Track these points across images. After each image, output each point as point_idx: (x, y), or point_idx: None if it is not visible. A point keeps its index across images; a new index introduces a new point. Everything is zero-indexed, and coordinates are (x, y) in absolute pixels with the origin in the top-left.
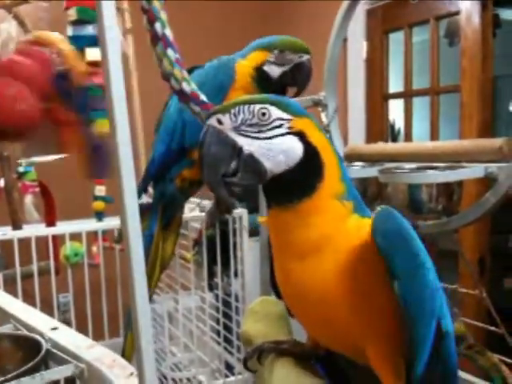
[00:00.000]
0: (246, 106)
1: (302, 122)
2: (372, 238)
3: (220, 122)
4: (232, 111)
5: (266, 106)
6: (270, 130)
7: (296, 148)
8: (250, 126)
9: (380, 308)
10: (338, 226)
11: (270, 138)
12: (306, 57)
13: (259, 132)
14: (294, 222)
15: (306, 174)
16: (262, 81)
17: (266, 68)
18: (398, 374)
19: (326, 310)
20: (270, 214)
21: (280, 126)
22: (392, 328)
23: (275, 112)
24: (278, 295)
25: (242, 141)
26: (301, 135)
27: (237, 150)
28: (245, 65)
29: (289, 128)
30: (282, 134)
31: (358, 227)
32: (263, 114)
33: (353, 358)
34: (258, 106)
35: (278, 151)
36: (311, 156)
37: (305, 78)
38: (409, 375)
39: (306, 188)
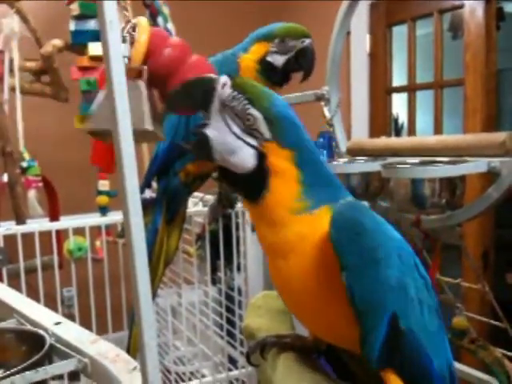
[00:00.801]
0: (246, 101)
1: (278, 151)
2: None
3: (224, 86)
4: (235, 92)
5: (258, 116)
6: (245, 133)
7: (249, 162)
8: (235, 115)
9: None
10: (293, 229)
11: (238, 137)
12: (307, 41)
13: (235, 124)
14: (258, 219)
15: (250, 185)
16: (266, 72)
17: (269, 58)
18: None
19: (311, 305)
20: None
21: (255, 138)
22: None
23: (261, 127)
24: None
25: (214, 120)
26: (263, 157)
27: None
28: (248, 58)
29: (260, 145)
30: (249, 145)
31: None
32: (248, 120)
33: (349, 349)
34: (251, 111)
35: (231, 151)
36: (259, 176)
37: (310, 62)
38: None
39: (253, 195)
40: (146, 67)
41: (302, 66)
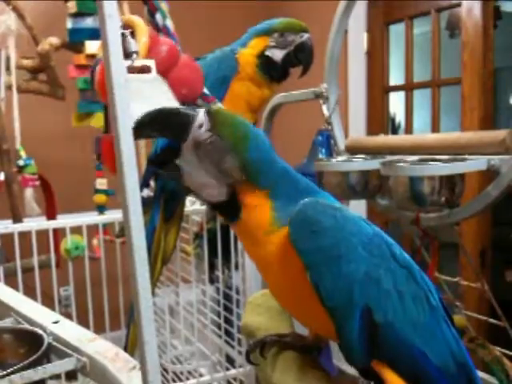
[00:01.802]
0: (222, 148)
1: (252, 191)
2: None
3: (200, 127)
4: (213, 137)
5: (234, 164)
6: (219, 173)
7: (220, 197)
8: (210, 156)
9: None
10: (267, 249)
11: (210, 175)
12: (306, 35)
13: (208, 163)
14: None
15: (223, 210)
16: (265, 66)
17: (268, 53)
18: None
19: (297, 305)
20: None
21: (228, 178)
22: None
23: (235, 172)
24: None
25: (187, 154)
26: (235, 193)
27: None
28: (247, 53)
29: (233, 183)
30: (222, 183)
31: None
32: (223, 163)
33: None
34: (228, 158)
35: (202, 185)
36: (232, 205)
37: (309, 56)
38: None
39: (228, 218)
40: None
41: (301, 61)
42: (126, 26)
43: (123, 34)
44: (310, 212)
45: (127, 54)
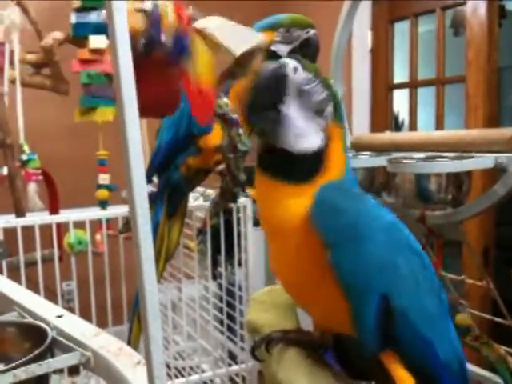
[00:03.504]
0: (320, 84)
1: (337, 131)
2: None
3: (295, 71)
4: (310, 75)
5: (330, 100)
6: (315, 115)
7: (316, 144)
8: (308, 97)
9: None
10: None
11: (309, 120)
12: (312, 31)
13: (307, 107)
14: (284, 197)
15: (306, 166)
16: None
17: (273, 48)
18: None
19: (307, 289)
20: (262, 182)
21: (322, 120)
22: None
23: (329, 109)
24: None
25: (288, 105)
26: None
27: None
28: None
29: (325, 127)
30: (318, 127)
31: None
32: (321, 103)
33: (347, 334)
34: (325, 94)
35: (302, 135)
36: (321, 154)
37: (314, 52)
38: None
39: (303, 176)
40: None
41: (306, 57)
42: None
43: None
44: (334, 192)
45: None
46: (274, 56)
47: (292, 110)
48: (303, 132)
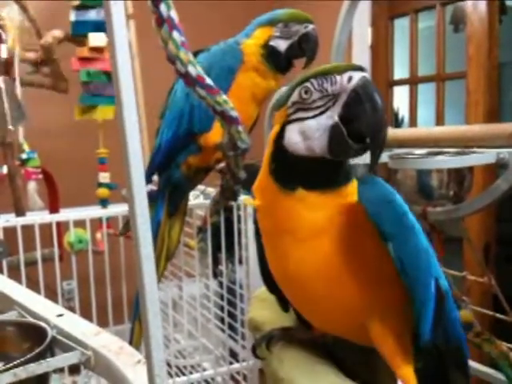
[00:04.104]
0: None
1: None
2: (359, 205)
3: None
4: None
5: None
6: None
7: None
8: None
9: (381, 276)
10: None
11: None
12: (310, 26)
13: None
14: (319, 205)
15: (338, 171)
16: (270, 57)
17: (272, 43)
18: (404, 353)
19: (330, 290)
20: (286, 197)
21: None
22: (396, 298)
23: None
24: (270, 289)
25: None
26: None
27: None
28: (252, 44)
29: None
30: None
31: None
32: None
33: (357, 340)
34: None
35: None
36: (336, 170)
37: (313, 47)
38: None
39: (349, 176)
40: None
41: (305, 51)
42: None
43: None
44: (378, 186)
45: None
46: (272, 52)
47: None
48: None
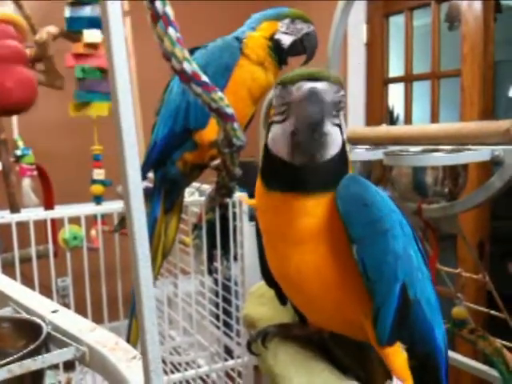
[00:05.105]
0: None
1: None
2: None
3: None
4: (332, 85)
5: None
6: (335, 117)
7: (339, 140)
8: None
9: (358, 276)
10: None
11: (334, 125)
12: (312, 27)
13: (335, 116)
14: (306, 209)
15: (342, 164)
16: (274, 50)
17: (277, 37)
18: (398, 349)
19: (325, 291)
20: (273, 199)
21: (339, 117)
22: None
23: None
24: (269, 283)
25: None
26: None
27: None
28: (258, 36)
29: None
30: (336, 125)
31: None
32: (340, 104)
33: (352, 335)
34: (342, 92)
35: (333, 142)
36: (344, 149)
37: (314, 46)
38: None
39: (329, 185)
40: None
41: (306, 50)
42: None
43: None
44: (359, 187)
45: None
46: (277, 45)
47: (328, 123)
48: (334, 138)
